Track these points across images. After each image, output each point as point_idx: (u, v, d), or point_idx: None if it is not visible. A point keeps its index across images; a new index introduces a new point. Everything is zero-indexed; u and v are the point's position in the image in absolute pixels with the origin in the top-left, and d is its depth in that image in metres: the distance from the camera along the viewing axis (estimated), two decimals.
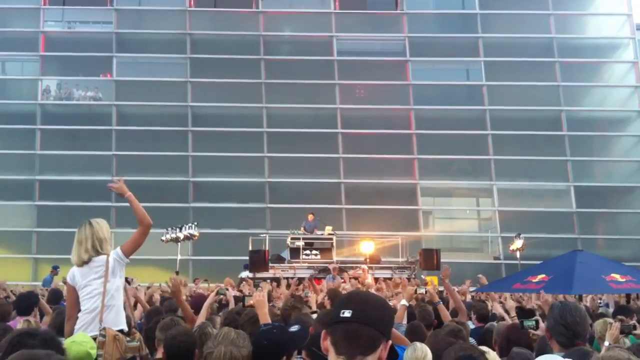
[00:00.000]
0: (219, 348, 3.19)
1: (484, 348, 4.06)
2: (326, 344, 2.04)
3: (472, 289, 13.29)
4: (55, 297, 8.68)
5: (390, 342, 2.04)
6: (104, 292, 5.05)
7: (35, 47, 32.16)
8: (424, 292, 7.93)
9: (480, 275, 12.96)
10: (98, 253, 5.14)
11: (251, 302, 5.18)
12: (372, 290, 9.21)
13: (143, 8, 32.76)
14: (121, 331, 4.96)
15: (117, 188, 5.36)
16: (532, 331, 6.28)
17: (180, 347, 4.21)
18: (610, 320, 5.81)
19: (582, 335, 3.91)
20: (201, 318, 6.22)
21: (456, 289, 12.86)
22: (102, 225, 5.28)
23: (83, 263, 5.15)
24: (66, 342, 4.11)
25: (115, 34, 32.32)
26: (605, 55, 32.70)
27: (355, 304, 2.04)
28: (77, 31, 33.57)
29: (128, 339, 4.80)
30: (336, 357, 2.00)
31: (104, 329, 4.77)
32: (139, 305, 7.77)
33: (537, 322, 6.31)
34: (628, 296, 11.80)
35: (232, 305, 7.19)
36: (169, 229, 24.01)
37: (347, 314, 2.00)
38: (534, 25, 32.23)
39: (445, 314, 6.90)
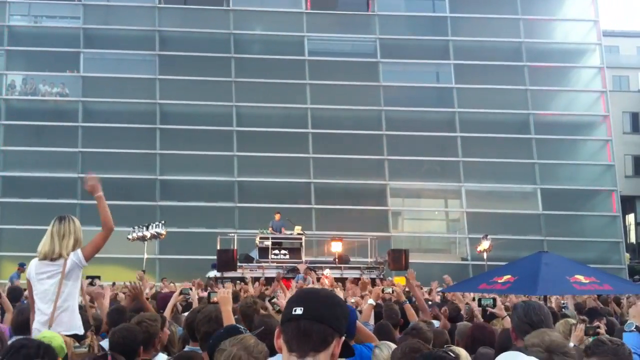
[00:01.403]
0: (231, 349, 3.11)
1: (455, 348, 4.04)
2: (279, 342, 2.04)
3: (438, 289, 13.36)
4: (15, 294, 8.46)
5: (343, 338, 2.03)
6: (57, 294, 4.91)
7: (0, 41, 31.52)
8: (391, 292, 7.92)
9: (445, 276, 13.03)
10: (68, 254, 4.99)
11: (215, 298, 5.12)
12: (338, 291, 9.09)
13: (111, 4, 32.32)
14: (75, 335, 4.83)
15: (92, 185, 5.21)
16: (489, 309, 6.34)
17: (119, 343, 4.17)
18: (572, 320, 5.87)
19: None
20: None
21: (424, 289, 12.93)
22: (80, 226, 5.18)
23: (51, 258, 4.99)
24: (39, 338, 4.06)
25: (83, 29, 31.82)
26: (573, 60, 33.19)
27: (306, 301, 2.04)
28: (43, 26, 32.93)
29: (77, 344, 4.67)
30: (288, 355, 1.99)
31: None
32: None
33: (494, 300, 6.40)
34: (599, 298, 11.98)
35: (195, 305, 7.09)
36: (136, 227, 23.73)
37: (298, 311, 2.00)
38: (503, 29, 32.55)
39: (412, 314, 6.89)
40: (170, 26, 32.07)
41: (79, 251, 5.07)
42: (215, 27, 31.93)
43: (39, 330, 4.80)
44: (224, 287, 11.26)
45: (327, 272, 19.45)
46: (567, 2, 34.20)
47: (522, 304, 4.15)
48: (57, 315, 4.90)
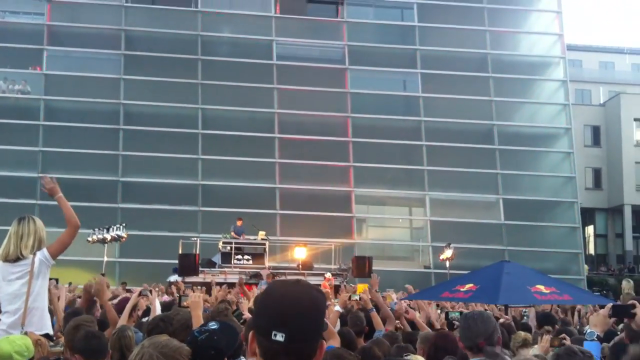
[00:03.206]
0: (141, 348, 3.03)
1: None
2: (254, 347, 1.82)
3: (401, 297, 13.35)
4: None
5: (324, 342, 1.87)
6: (27, 294, 4.82)
7: None
8: (358, 299, 7.86)
9: (407, 286, 13.05)
10: (32, 253, 4.92)
11: (186, 302, 5.02)
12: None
13: (77, 1, 31.71)
14: (46, 335, 4.74)
15: (50, 189, 5.19)
16: (456, 322, 6.37)
17: (92, 348, 4.07)
18: (522, 334, 5.97)
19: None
20: (122, 320, 5.97)
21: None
22: (42, 225, 5.10)
23: (16, 259, 4.89)
24: (1, 340, 3.99)
25: (47, 26, 31.23)
26: (537, 73, 33.74)
27: (289, 324, 1.75)
28: (6, 21, 32.17)
29: (51, 343, 4.59)
30: None
31: (26, 333, 4.55)
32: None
33: (461, 313, 6.43)
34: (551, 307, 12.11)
35: (155, 311, 6.91)
36: (96, 229, 23.32)
37: (279, 337, 1.74)
38: (470, 40, 32.93)
39: (378, 322, 6.83)
40: (136, 26, 31.66)
41: (44, 249, 5.01)
42: (183, 28, 31.62)
43: (8, 332, 4.69)
44: (179, 291, 11.07)
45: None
46: (532, 16, 34.79)
47: (465, 314, 4.25)
48: (27, 316, 4.81)
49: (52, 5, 31.55)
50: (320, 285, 18.05)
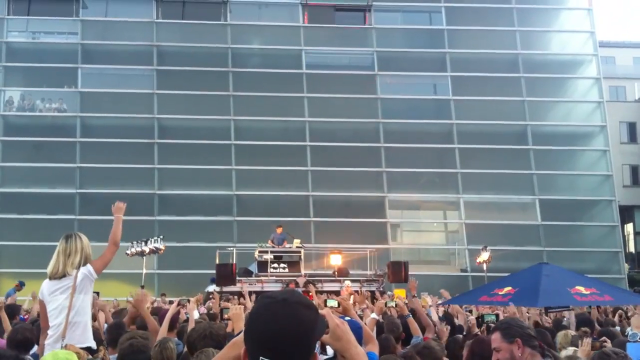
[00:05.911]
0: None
1: None
2: None
3: (439, 302, 13.30)
4: (12, 311, 8.41)
5: (316, 353, 1.89)
6: (69, 308, 4.95)
7: None
8: (394, 305, 7.88)
9: (442, 290, 12.94)
10: (78, 269, 5.07)
11: (228, 315, 5.14)
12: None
13: (109, 19, 32.35)
14: (88, 349, 4.85)
15: (118, 208, 5.51)
16: (492, 325, 6.35)
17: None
18: (572, 332, 5.88)
19: None
20: (163, 331, 6.08)
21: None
22: (88, 242, 5.27)
23: (62, 276, 5.05)
24: (47, 355, 4.07)
25: (81, 44, 31.89)
26: (569, 71, 33.29)
27: (273, 351, 1.79)
28: (41, 41, 33.04)
29: (90, 357, 4.70)
30: None
31: (66, 345, 4.67)
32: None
33: (497, 316, 6.39)
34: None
35: (192, 321, 7.03)
36: (134, 242, 23.64)
37: None
38: (499, 41, 32.68)
39: (415, 328, 6.84)
40: (167, 41, 32.15)
41: (89, 265, 5.16)
42: (213, 42, 32.02)
43: (52, 346, 4.85)
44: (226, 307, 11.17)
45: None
46: (563, 14, 34.38)
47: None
48: (69, 329, 4.93)
49: (84, 24, 32.20)
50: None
